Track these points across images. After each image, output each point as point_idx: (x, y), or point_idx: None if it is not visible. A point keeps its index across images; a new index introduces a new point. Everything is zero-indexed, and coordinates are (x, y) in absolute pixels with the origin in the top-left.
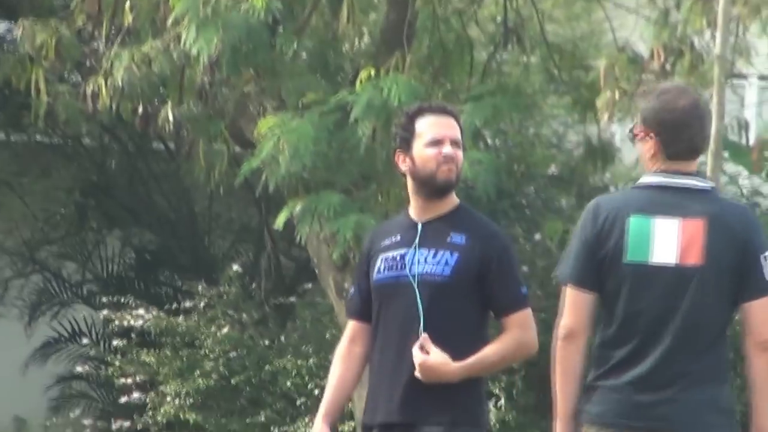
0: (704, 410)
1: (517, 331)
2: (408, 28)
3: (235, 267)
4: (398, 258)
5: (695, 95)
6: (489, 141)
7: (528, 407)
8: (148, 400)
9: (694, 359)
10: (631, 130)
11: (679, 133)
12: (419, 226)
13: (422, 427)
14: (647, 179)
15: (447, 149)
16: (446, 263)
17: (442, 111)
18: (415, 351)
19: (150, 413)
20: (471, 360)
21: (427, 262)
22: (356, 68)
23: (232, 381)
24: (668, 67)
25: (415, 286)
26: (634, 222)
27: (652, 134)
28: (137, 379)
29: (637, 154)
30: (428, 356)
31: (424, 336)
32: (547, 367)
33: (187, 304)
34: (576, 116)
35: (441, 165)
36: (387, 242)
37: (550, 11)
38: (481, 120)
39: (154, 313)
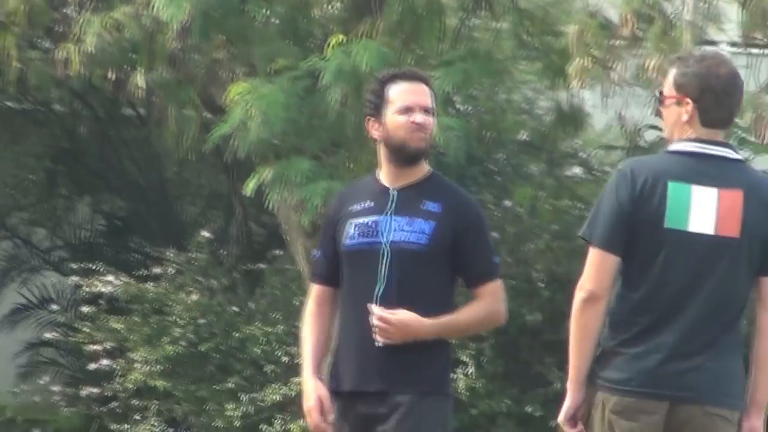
0: (727, 380)
1: (489, 300)
2: None
3: (205, 233)
4: (371, 224)
5: (732, 65)
6: (459, 107)
7: (497, 375)
8: (116, 366)
9: (722, 330)
10: (660, 93)
11: (721, 101)
12: (393, 194)
13: (392, 396)
14: (683, 146)
15: (418, 117)
16: (422, 231)
17: (414, 77)
18: (379, 310)
19: (119, 380)
20: (443, 319)
21: (402, 230)
22: (327, 34)
23: (201, 348)
24: (639, 33)
25: (388, 253)
26: (672, 188)
27: (689, 99)
28: (106, 345)
29: (608, 120)
30: (398, 313)
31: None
32: (516, 335)
33: (157, 270)
34: (546, 82)
35: (412, 133)
36: (357, 207)
37: None
38: (452, 86)
39: (124, 279)
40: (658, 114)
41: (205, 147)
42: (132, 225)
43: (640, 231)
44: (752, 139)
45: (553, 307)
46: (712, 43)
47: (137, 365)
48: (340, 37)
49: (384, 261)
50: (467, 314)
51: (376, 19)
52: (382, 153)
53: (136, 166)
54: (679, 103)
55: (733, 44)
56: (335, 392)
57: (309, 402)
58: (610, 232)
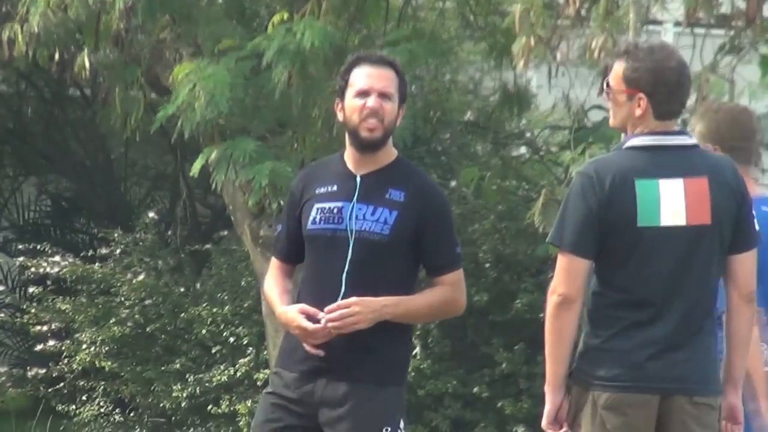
0: (711, 367)
1: (449, 289)
2: None
3: (151, 214)
4: (335, 210)
5: (680, 55)
6: None
7: (443, 356)
8: (63, 347)
9: (705, 316)
10: (607, 85)
11: (674, 93)
12: (358, 179)
13: (351, 384)
14: (642, 140)
15: (371, 101)
16: (385, 222)
17: (380, 61)
18: (331, 310)
19: (65, 361)
20: (403, 297)
21: (365, 219)
22: (272, 14)
23: (148, 329)
24: (584, 12)
25: (351, 242)
26: (640, 185)
27: (642, 94)
28: (53, 326)
29: (553, 100)
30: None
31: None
32: (463, 316)
33: (103, 251)
34: (492, 62)
35: (365, 119)
36: (322, 190)
37: None
38: None
39: (70, 260)
40: (603, 94)
41: (151, 128)
42: (78, 206)
43: (612, 232)
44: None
45: (500, 288)
46: (657, 22)
47: (84, 346)
48: (283, 15)
49: (347, 249)
50: (426, 297)
51: None
52: (347, 136)
53: (82, 146)
54: (630, 98)
55: (678, 24)
56: (282, 373)
57: (294, 317)
58: (579, 236)
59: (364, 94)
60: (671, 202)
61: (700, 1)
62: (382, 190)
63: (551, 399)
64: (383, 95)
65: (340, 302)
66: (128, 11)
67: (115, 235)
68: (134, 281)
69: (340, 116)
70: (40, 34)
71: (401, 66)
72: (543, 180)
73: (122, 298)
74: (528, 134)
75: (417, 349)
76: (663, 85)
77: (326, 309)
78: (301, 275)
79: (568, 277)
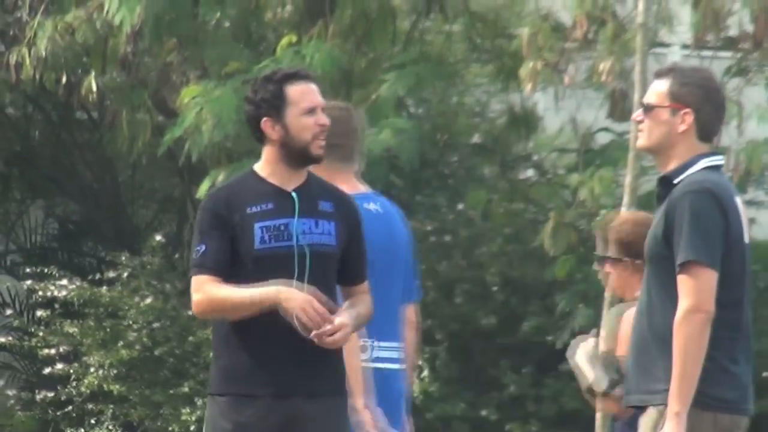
0: None
1: (369, 297)
2: None
3: (158, 237)
4: (282, 228)
5: None
6: (412, 110)
7: (451, 379)
8: (71, 371)
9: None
10: (646, 105)
11: (718, 112)
12: (294, 195)
13: (320, 397)
14: (714, 160)
15: (322, 119)
16: (329, 233)
17: (310, 78)
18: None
19: (73, 384)
20: (353, 313)
21: (313, 233)
22: (279, 37)
23: (156, 352)
24: (591, 35)
25: (308, 257)
26: (737, 202)
27: (689, 109)
28: (61, 350)
29: (560, 122)
30: (336, 320)
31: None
32: (470, 339)
33: (111, 274)
34: (499, 85)
35: (317, 136)
36: (256, 209)
37: None
38: (404, 89)
39: (78, 283)
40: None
41: (159, 150)
42: (85, 229)
43: (731, 250)
44: None
45: (508, 311)
46: (665, 45)
47: (92, 369)
48: (291, 38)
49: (304, 263)
50: (362, 308)
51: (328, 22)
52: (274, 154)
53: (90, 169)
54: (674, 113)
55: (685, 46)
56: (250, 396)
57: (302, 296)
58: (716, 252)
59: (312, 111)
60: (744, 220)
61: (708, 24)
62: (314, 202)
63: (682, 421)
64: (323, 110)
65: (337, 324)
66: (135, 35)
67: (123, 258)
68: (142, 304)
69: (273, 135)
70: (48, 58)
71: (409, 89)
72: (550, 203)
73: (130, 322)
74: (535, 157)
75: (425, 372)
76: (710, 103)
77: (318, 332)
78: None
79: (711, 294)
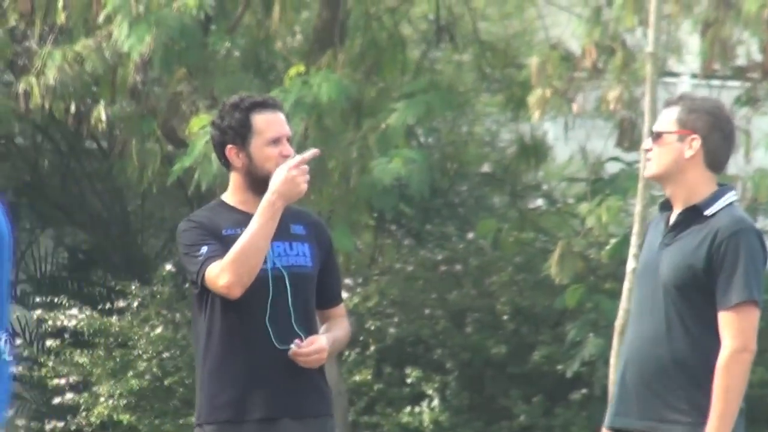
0: None
1: (346, 320)
2: (340, 27)
3: (168, 266)
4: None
5: None
6: (422, 139)
7: (461, 408)
8: (81, 400)
9: None
10: (655, 133)
11: (727, 141)
12: None
13: (310, 419)
14: (735, 195)
15: (287, 149)
16: (304, 254)
17: (277, 106)
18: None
19: (83, 414)
20: (330, 336)
21: (288, 255)
22: (289, 67)
23: (166, 382)
24: (600, 65)
25: (287, 279)
26: None
27: (697, 136)
28: (70, 379)
29: (570, 152)
30: (315, 342)
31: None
32: (481, 368)
33: (121, 303)
34: (509, 114)
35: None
36: (231, 233)
37: (482, 9)
38: (414, 118)
39: (87, 313)
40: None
41: (168, 180)
42: (95, 258)
43: None
44: None
45: (518, 340)
46: (674, 74)
47: (102, 399)
48: (300, 67)
49: (281, 286)
50: (339, 331)
51: (338, 52)
52: (239, 181)
53: (99, 199)
54: (682, 139)
55: (694, 76)
56: (238, 422)
57: (281, 172)
58: (763, 292)
59: (276, 141)
60: None
61: (716, 53)
62: (285, 226)
63: None
64: (288, 139)
65: (315, 347)
66: (144, 64)
67: (132, 287)
68: (152, 334)
69: (237, 163)
70: (57, 87)
71: (419, 118)
72: (560, 232)
73: (140, 351)
74: (545, 186)
75: (435, 401)
76: (719, 131)
77: (303, 345)
78: (209, 329)
79: (755, 333)
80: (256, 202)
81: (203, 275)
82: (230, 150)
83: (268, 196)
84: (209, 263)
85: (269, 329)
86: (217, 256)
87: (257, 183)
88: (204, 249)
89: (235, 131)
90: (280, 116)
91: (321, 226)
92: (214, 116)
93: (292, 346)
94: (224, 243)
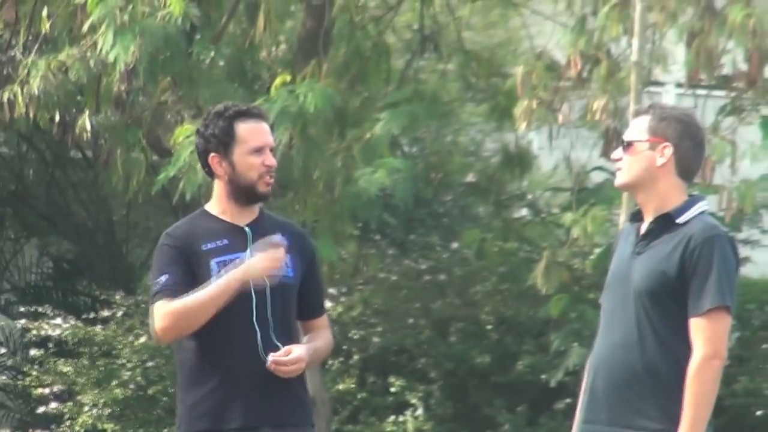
0: None
1: (328, 331)
2: (325, 36)
3: None
4: (238, 262)
5: None
6: (406, 149)
7: (445, 417)
8: (65, 410)
9: None
10: (626, 142)
11: (697, 149)
12: (247, 230)
13: (289, 429)
14: (707, 205)
15: (270, 159)
16: (286, 265)
17: (261, 115)
18: (275, 358)
19: (68, 423)
20: (312, 346)
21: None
22: (274, 76)
23: (150, 391)
24: (585, 74)
25: (268, 289)
26: None
27: (668, 143)
28: (55, 389)
29: (554, 161)
30: (292, 353)
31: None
32: (465, 378)
33: (105, 313)
34: (493, 124)
35: (263, 176)
36: (211, 245)
37: (467, 18)
38: (399, 127)
39: (72, 322)
40: (618, 151)
41: (153, 189)
42: (80, 268)
43: None
44: (697, 180)
45: (502, 349)
46: (659, 84)
47: (86, 409)
48: (286, 77)
49: (264, 296)
50: (321, 342)
51: (322, 61)
52: (223, 190)
53: (84, 208)
54: (653, 147)
55: (679, 85)
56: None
57: (257, 257)
58: (734, 299)
59: (260, 151)
60: None
61: (702, 63)
62: (267, 236)
63: None
64: (271, 149)
65: (294, 357)
66: (129, 73)
67: (117, 297)
68: (136, 343)
69: (220, 171)
70: (41, 97)
71: (403, 128)
72: (545, 242)
73: (124, 361)
74: (529, 196)
75: (419, 411)
76: (690, 138)
77: (276, 358)
78: (190, 338)
79: (726, 340)
80: (239, 212)
81: (152, 306)
82: (213, 158)
83: (238, 274)
84: (160, 298)
85: (258, 337)
86: (171, 290)
87: (240, 192)
88: (162, 279)
89: (218, 139)
90: (264, 126)
91: (304, 237)
92: (199, 125)
93: (269, 358)
94: (201, 259)
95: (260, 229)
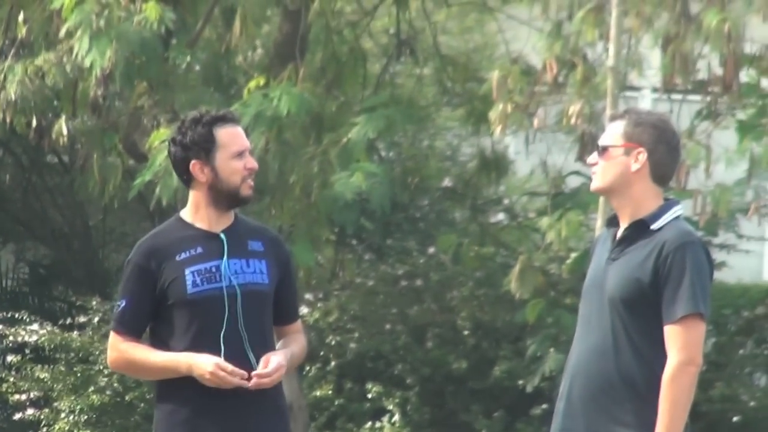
0: None
1: (303, 336)
2: (301, 41)
3: None
4: (213, 270)
5: None
6: (383, 153)
7: (422, 423)
8: (42, 416)
9: None
10: (601, 148)
11: (673, 157)
12: (222, 236)
13: None
14: (681, 209)
15: (251, 162)
16: (261, 272)
17: (236, 120)
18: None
19: (44, 430)
20: (288, 352)
21: (244, 272)
22: (249, 81)
23: (127, 397)
24: (561, 79)
25: (239, 296)
26: None
27: (643, 149)
28: (31, 395)
29: (531, 166)
30: (270, 362)
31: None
32: (442, 383)
33: (82, 319)
34: (469, 128)
35: (246, 179)
36: (185, 255)
37: (443, 23)
38: (375, 132)
39: (48, 328)
40: (593, 157)
41: (129, 194)
42: (56, 273)
43: None
44: (672, 184)
45: (479, 355)
46: (635, 89)
47: (63, 415)
48: (260, 81)
49: (236, 304)
50: (296, 347)
51: (299, 66)
52: (202, 197)
53: (60, 213)
54: (628, 152)
55: (655, 90)
56: None
57: (207, 359)
58: (709, 305)
59: (241, 155)
60: None
61: (677, 68)
62: (243, 242)
63: None
64: (250, 152)
65: (274, 366)
66: (105, 78)
67: (93, 303)
68: None
69: (202, 177)
70: (18, 101)
71: (380, 132)
72: (521, 246)
73: (101, 367)
74: (506, 200)
75: (396, 417)
76: (665, 143)
77: (259, 372)
78: (166, 345)
79: (701, 347)
80: (217, 219)
81: (110, 331)
82: (194, 165)
83: (185, 366)
84: (114, 327)
85: (222, 347)
86: (127, 321)
87: (221, 197)
88: (122, 303)
89: (199, 146)
90: (240, 130)
91: (279, 242)
92: (173, 133)
93: (253, 379)
94: (175, 269)
95: (235, 234)
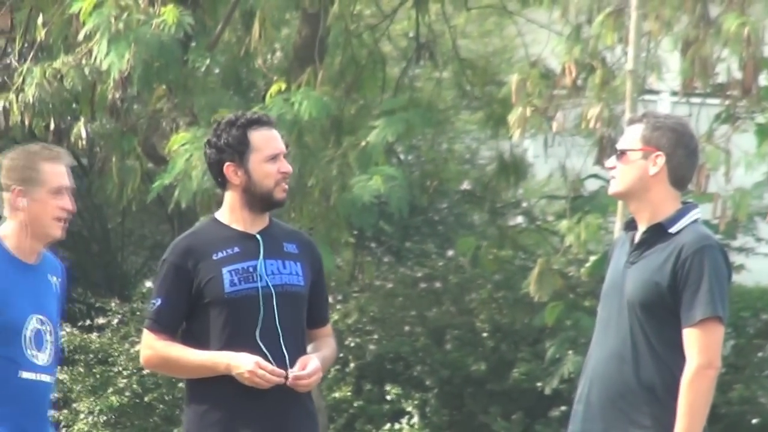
0: None
1: (333, 339)
2: (320, 44)
3: (148, 284)
4: (250, 270)
5: None
6: (402, 156)
7: (441, 425)
8: (61, 417)
9: None
10: (620, 151)
11: (690, 158)
12: (259, 237)
13: None
14: (699, 212)
15: (285, 166)
16: (297, 273)
17: (272, 123)
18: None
19: (64, 431)
20: (320, 356)
21: (281, 273)
22: (269, 84)
23: (146, 398)
24: (580, 82)
25: (275, 297)
26: None
27: (661, 152)
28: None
29: (549, 169)
30: (309, 365)
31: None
32: (461, 385)
33: (101, 320)
34: (488, 132)
35: (279, 183)
36: (222, 254)
37: (462, 27)
38: (394, 135)
39: (68, 330)
40: (612, 160)
41: (148, 197)
42: (75, 275)
43: None
44: (692, 188)
45: (497, 357)
46: (654, 92)
47: (82, 416)
48: (281, 85)
49: (272, 304)
50: (328, 351)
51: (318, 69)
52: (237, 199)
53: (79, 216)
54: (646, 156)
55: (674, 93)
56: None
57: (247, 358)
58: (727, 309)
59: (275, 158)
60: None
61: (697, 71)
62: (279, 244)
63: None
64: (285, 156)
65: (313, 369)
66: (124, 81)
67: (113, 304)
68: (132, 351)
69: (235, 180)
70: (36, 104)
71: (399, 135)
72: (539, 249)
73: (120, 368)
74: (524, 204)
75: (415, 418)
76: (683, 147)
77: (297, 373)
78: (201, 344)
79: (720, 350)
80: (252, 220)
81: (144, 329)
82: (228, 167)
83: (223, 365)
84: (149, 325)
85: (261, 346)
86: (162, 319)
87: (255, 200)
88: (157, 302)
89: (233, 148)
90: (276, 133)
91: (313, 246)
92: (209, 135)
93: (290, 374)
94: (212, 269)
95: (271, 236)
